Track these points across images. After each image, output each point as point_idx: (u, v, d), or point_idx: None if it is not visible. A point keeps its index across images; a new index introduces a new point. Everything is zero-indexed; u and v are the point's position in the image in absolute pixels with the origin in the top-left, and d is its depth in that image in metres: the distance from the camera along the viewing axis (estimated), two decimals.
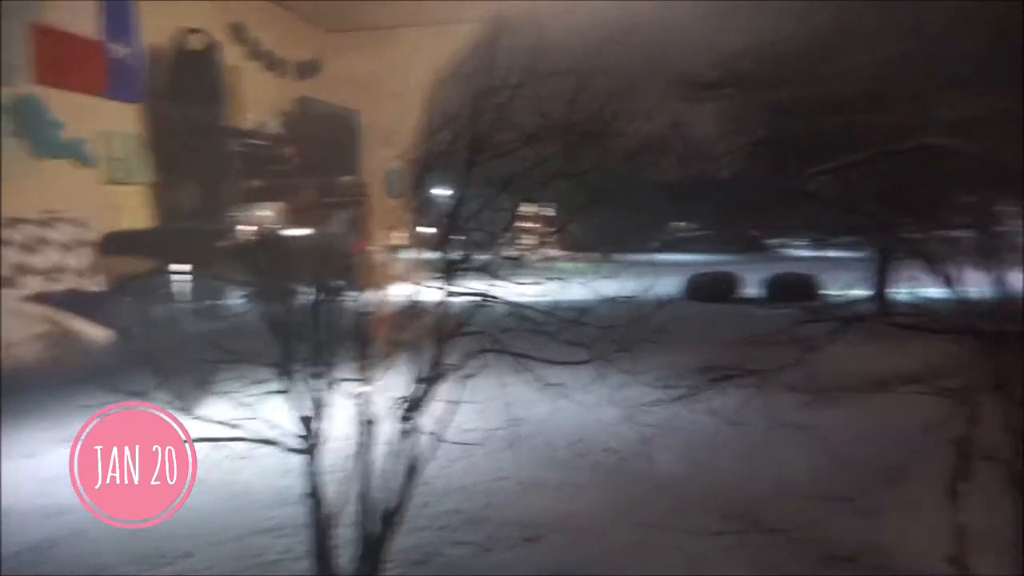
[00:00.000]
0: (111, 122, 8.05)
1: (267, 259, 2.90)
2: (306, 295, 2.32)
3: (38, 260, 6.01)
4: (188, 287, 5.24)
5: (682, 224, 16.74)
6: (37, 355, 3.42)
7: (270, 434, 2.09)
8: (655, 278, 3.49)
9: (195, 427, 2.14)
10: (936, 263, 3.11)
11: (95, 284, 6.39)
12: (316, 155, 11.09)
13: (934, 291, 2.94)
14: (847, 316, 2.63)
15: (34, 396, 4.00)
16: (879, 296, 8.15)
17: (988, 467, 2.46)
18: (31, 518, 3.03)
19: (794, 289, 7.77)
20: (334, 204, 10.39)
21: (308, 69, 12.54)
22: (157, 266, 6.31)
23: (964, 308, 2.78)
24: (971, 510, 2.46)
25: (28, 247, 6.01)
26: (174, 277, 5.37)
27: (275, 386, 2.09)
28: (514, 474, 3.34)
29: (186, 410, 2.23)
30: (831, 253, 9.59)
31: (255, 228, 8.15)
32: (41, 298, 5.35)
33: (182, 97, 8.79)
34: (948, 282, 3.07)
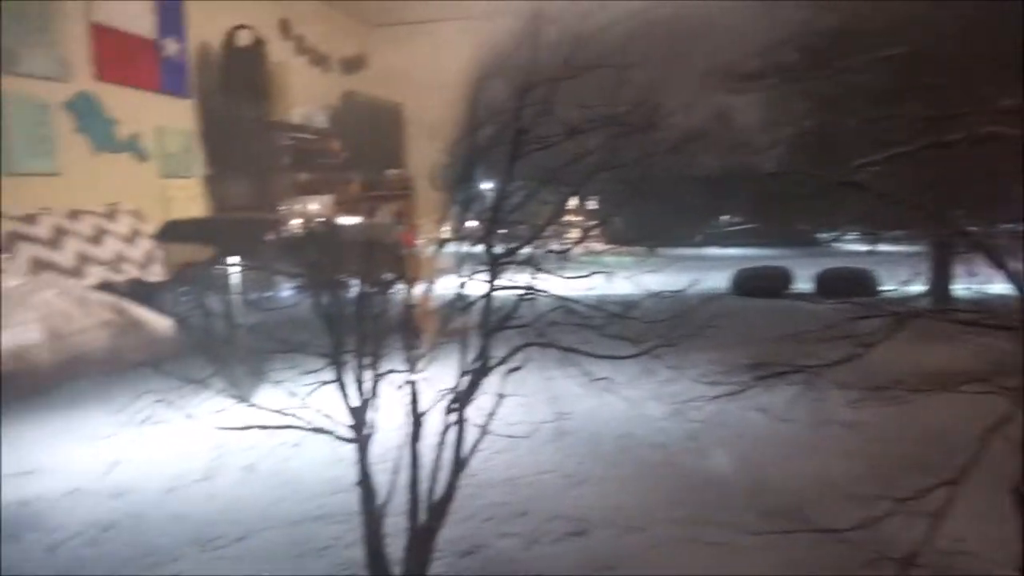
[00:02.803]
0: (164, 118, 8.29)
1: (317, 251, 2.95)
2: (355, 287, 2.36)
3: (101, 251, 6.24)
4: (242, 278, 5.41)
5: (728, 217, 16.46)
6: (102, 342, 3.56)
7: (321, 423, 2.13)
8: (701, 272, 3.44)
9: (250, 415, 2.20)
10: (998, 257, 3.00)
11: (155, 274, 6.61)
12: (362, 149, 11.24)
13: (996, 286, 2.84)
14: (902, 312, 2.55)
15: (100, 381, 4.16)
16: (936, 292, 7.91)
17: None
18: (95, 499, 3.16)
19: (846, 284, 7.58)
20: (380, 197, 10.51)
21: (353, 64, 12.69)
22: (214, 255, 6.51)
23: None
24: None
25: (92, 238, 6.24)
26: (229, 268, 5.55)
27: (326, 376, 2.13)
28: (559, 468, 3.34)
29: (241, 398, 2.29)
30: (884, 247, 9.33)
31: (304, 221, 8.30)
32: (105, 287, 5.56)
33: (231, 93, 8.99)
34: (1011, 277, 2.96)
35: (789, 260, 9.30)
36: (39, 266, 5.64)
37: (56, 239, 5.99)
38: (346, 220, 8.92)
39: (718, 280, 7.33)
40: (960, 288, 5.74)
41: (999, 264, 2.75)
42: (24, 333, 3.44)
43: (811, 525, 2.68)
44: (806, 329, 2.84)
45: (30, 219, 5.92)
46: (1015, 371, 2.81)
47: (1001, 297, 2.87)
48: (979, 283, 2.81)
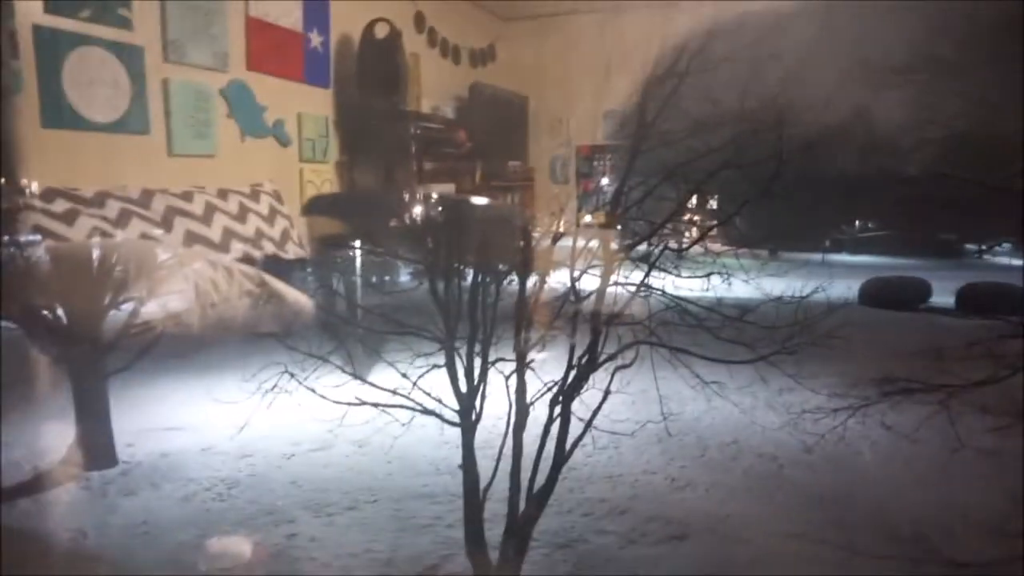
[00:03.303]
0: (305, 106, 8.81)
1: (437, 238, 3.04)
2: (471, 275, 2.41)
3: (245, 227, 6.73)
4: (364, 261, 5.71)
5: (862, 223, 15.44)
6: (243, 311, 3.86)
7: (430, 406, 2.20)
8: (828, 279, 3.25)
9: (364, 392, 2.31)
10: None
11: (289, 252, 7.09)
12: (486, 139, 11.45)
13: None
14: None
15: (237, 348, 4.51)
16: None
17: None
18: (225, 458, 3.43)
19: (993, 300, 6.94)
20: (502, 188, 10.69)
21: (482, 56, 12.92)
22: (348, 230, 6.89)
23: None
24: None
25: (238, 215, 6.74)
26: (353, 251, 5.87)
27: (437, 360, 2.20)
28: (662, 469, 3.29)
29: (357, 375, 2.41)
30: None
31: (427, 207, 8.59)
32: (248, 261, 6.02)
33: (367, 83, 9.41)
34: None
35: (928, 272, 8.64)
36: (192, 239, 6.18)
37: (207, 215, 6.53)
38: (474, 200, 9.14)
39: (847, 289, 6.91)
40: None
41: None
42: (178, 300, 3.77)
43: (936, 553, 2.50)
44: (943, 345, 2.64)
45: (187, 196, 6.49)
46: None
47: None
48: None
